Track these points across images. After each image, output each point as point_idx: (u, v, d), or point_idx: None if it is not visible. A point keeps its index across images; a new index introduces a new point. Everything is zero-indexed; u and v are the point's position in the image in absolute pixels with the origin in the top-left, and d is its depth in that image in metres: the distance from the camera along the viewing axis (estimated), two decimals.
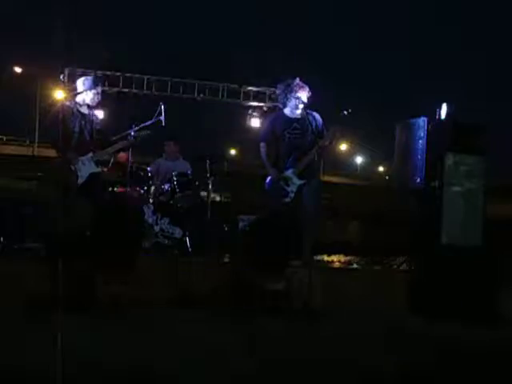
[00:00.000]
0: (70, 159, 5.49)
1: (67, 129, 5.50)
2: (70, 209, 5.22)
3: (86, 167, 5.57)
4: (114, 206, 5.83)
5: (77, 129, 5.58)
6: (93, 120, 5.74)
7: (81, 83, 5.71)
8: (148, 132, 6.04)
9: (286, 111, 5.63)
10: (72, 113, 5.58)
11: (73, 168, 5.50)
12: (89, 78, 5.98)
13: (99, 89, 5.77)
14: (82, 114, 5.64)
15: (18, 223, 6.66)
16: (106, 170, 5.90)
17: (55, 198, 5.34)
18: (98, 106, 5.91)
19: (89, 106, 5.71)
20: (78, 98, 5.68)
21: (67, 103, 5.68)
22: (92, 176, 5.60)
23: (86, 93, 5.65)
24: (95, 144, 5.71)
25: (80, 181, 5.53)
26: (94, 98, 5.69)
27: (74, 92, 5.73)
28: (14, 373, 2.49)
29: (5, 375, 2.47)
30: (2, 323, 3.22)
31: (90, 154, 5.61)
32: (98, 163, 5.70)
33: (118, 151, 6.03)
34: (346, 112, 5.39)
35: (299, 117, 5.55)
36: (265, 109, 14.35)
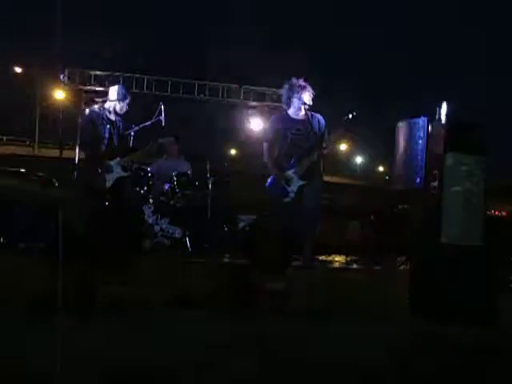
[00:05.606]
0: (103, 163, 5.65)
1: (98, 133, 5.68)
2: (97, 211, 5.34)
3: (114, 171, 5.72)
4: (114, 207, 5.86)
5: (106, 134, 5.74)
6: (120, 127, 5.90)
7: (114, 91, 5.85)
8: (170, 139, 6.29)
9: (290, 112, 5.65)
10: (102, 118, 5.74)
11: (100, 172, 5.64)
12: (122, 87, 6.08)
13: (129, 100, 5.91)
14: (111, 121, 5.79)
15: (18, 223, 6.66)
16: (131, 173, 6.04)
17: (82, 200, 5.47)
18: (125, 114, 6.03)
19: (116, 114, 5.85)
20: (107, 105, 5.83)
21: (97, 109, 5.81)
22: (120, 180, 5.76)
23: (116, 101, 5.80)
24: (122, 149, 5.86)
25: (108, 184, 5.67)
26: (123, 108, 5.85)
27: (104, 98, 5.90)
28: (13, 373, 2.49)
29: (5, 375, 2.47)
30: (3, 323, 3.22)
31: (118, 159, 5.76)
32: (124, 167, 5.85)
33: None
34: (350, 115, 5.41)
35: (302, 118, 5.57)
36: (265, 109, 14.37)
